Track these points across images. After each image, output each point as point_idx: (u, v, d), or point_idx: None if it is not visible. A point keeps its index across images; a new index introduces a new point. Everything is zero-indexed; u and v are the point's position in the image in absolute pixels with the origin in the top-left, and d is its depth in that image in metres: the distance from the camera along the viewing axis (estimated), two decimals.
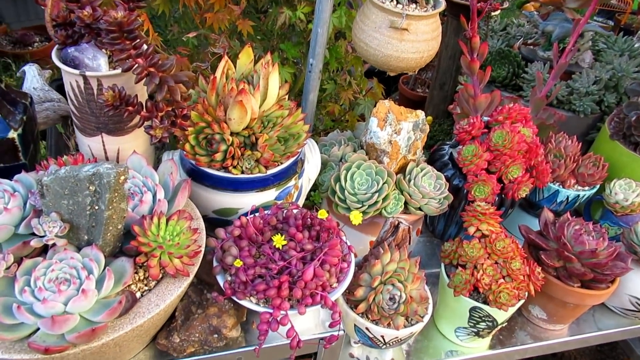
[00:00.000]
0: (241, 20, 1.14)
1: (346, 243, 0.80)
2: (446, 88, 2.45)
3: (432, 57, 1.01)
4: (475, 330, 0.94)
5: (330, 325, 0.72)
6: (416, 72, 3.03)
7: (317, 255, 0.73)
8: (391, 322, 0.85)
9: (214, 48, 1.08)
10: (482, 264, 0.90)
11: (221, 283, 0.71)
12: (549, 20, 2.16)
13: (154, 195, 0.73)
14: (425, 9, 0.94)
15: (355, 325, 0.86)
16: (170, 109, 0.72)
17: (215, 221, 0.88)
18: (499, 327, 0.93)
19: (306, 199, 1.23)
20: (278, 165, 0.86)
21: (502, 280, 0.88)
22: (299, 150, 0.88)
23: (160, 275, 0.67)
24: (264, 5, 1.26)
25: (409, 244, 0.93)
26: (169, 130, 0.71)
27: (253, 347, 0.75)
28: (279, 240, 0.70)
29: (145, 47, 0.67)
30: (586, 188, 1.17)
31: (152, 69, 0.66)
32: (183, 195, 0.74)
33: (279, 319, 0.67)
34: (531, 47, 2.22)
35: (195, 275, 0.79)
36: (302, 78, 1.24)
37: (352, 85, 1.24)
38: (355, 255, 1.06)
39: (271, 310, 0.68)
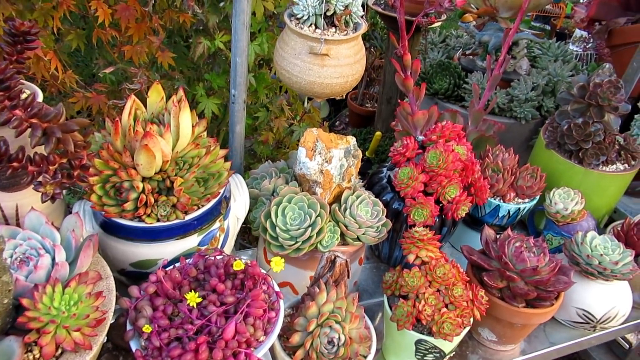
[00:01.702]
0: (160, 52, 1.07)
1: (274, 289, 0.74)
2: (393, 102, 2.44)
3: (358, 80, 0.97)
4: None
5: None
6: (362, 88, 3.02)
7: (240, 308, 0.67)
8: None
9: (130, 84, 1.02)
10: (424, 294, 0.86)
11: (134, 349, 0.64)
12: (485, 30, 2.19)
13: (53, 259, 0.65)
14: (346, 32, 0.91)
15: None
16: (64, 160, 0.65)
17: (134, 275, 0.81)
18: (448, 356, 0.90)
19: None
20: (198, 208, 0.80)
21: (444, 309, 0.85)
22: (221, 190, 0.83)
23: (60, 351, 0.60)
24: (189, 35, 1.20)
25: (348, 278, 0.88)
26: (63, 185, 0.64)
27: None
28: (192, 298, 0.64)
29: (24, 96, 0.60)
30: (526, 200, 1.16)
31: (34, 120, 0.59)
32: (86, 255, 0.66)
33: None
34: (470, 57, 2.25)
35: (109, 341, 0.72)
36: None
37: (284, 111, 1.19)
38: (296, 293, 1.01)
39: None
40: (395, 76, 1.39)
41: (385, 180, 1.09)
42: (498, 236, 0.99)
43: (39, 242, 0.66)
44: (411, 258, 0.90)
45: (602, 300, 1.00)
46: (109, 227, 0.78)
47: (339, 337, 0.78)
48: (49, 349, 0.57)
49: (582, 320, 1.02)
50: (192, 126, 0.81)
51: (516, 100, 1.74)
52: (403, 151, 1.04)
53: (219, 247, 0.84)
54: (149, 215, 0.75)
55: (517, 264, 0.92)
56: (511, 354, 1.02)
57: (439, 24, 3.01)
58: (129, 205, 0.73)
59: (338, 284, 0.86)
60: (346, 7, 0.87)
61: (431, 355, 0.88)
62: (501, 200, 1.14)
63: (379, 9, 2.52)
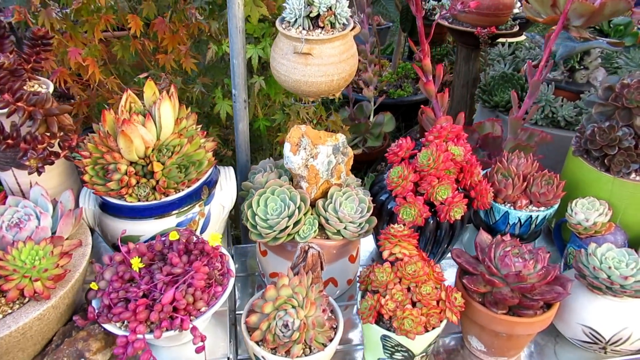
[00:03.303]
0: (184, 58, 1.19)
1: (227, 267, 0.79)
2: None
3: (348, 81, 1.00)
4: None
5: (196, 351, 0.71)
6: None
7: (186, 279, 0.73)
8: (290, 351, 0.82)
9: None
10: (392, 289, 0.85)
11: (90, 306, 0.73)
12: None
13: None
14: (332, 32, 0.94)
15: (254, 354, 0.84)
16: (54, 141, 0.77)
17: None
18: (418, 357, 0.87)
19: None
20: (177, 192, 0.88)
21: (409, 306, 0.83)
22: (200, 178, 0.90)
23: (27, 299, 0.70)
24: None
25: (322, 269, 0.90)
26: (47, 160, 0.75)
27: None
28: (136, 263, 0.71)
29: (16, 84, 0.72)
30: (541, 209, 1.08)
31: (19, 104, 0.71)
32: (65, 223, 0.77)
33: (134, 343, 0.67)
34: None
35: (87, 301, 0.81)
36: (251, 108, 1.27)
37: (299, 115, 1.25)
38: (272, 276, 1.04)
39: (127, 334, 0.68)
40: (419, 82, 1.38)
41: (385, 180, 1.09)
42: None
43: (32, 209, 0.78)
44: (385, 254, 0.90)
45: (611, 319, 0.90)
46: (104, 206, 0.89)
47: (294, 322, 0.80)
48: (12, 294, 0.67)
49: (589, 340, 0.93)
50: (179, 118, 0.89)
51: (585, 113, 1.63)
52: (397, 150, 1.04)
53: (198, 230, 0.91)
54: (130, 195, 0.85)
55: (502, 269, 0.87)
56: None
57: (521, 38, 2.88)
58: (112, 185, 0.83)
59: (311, 273, 0.88)
60: (329, 8, 0.91)
61: (399, 354, 0.86)
62: (512, 207, 1.08)
63: (446, 23, 2.50)
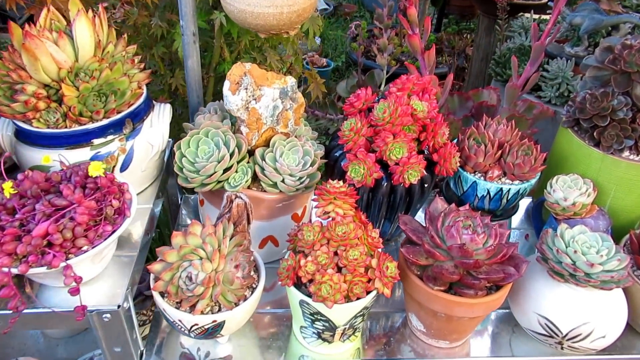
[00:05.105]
0: None
1: (128, 207, 0.71)
2: None
3: (302, 16, 0.88)
4: (316, 331, 0.79)
5: (69, 292, 0.63)
6: None
7: (70, 213, 0.64)
8: (195, 307, 0.74)
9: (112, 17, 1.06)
10: (316, 251, 0.75)
11: None
12: (578, 11, 1.90)
13: None
14: None
15: (157, 306, 0.76)
16: None
17: None
18: (341, 329, 0.77)
19: None
20: (93, 122, 0.79)
21: (331, 270, 0.73)
22: (122, 110, 0.81)
23: None
24: None
25: (249, 223, 0.81)
26: None
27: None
28: (7, 188, 0.63)
29: None
30: (515, 182, 0.95)
31: None
32: None
33: None
34: (559, 43, 1.99)
35: None
36: (217, 50, 1.17)
37: (267, 61, 1.14)
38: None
39: None
40: (406, 37, 1.25)
41: None
42: None
43: None
44: (318, 212, 0.80)
45: (571, 311, 0.78)
46: (17, 133, 0.82)
47: (198, 275, 0.71)
48: None
49: (544, 332, 0.81)
50: (103, 41, 0.80)
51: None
52: (354, 101, 0.92)
53: (118, 167, 0.83)
54: (38, 120, 0.77)
55: (447, 240, 0.76)
56: (447, 352, 0.85)
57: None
58: (17, 107, 0.75)
59: (237, 225, 0.80)
60: None
61: (320, 323, 0.77)
62: (482, 178, 0.96)
63: None
